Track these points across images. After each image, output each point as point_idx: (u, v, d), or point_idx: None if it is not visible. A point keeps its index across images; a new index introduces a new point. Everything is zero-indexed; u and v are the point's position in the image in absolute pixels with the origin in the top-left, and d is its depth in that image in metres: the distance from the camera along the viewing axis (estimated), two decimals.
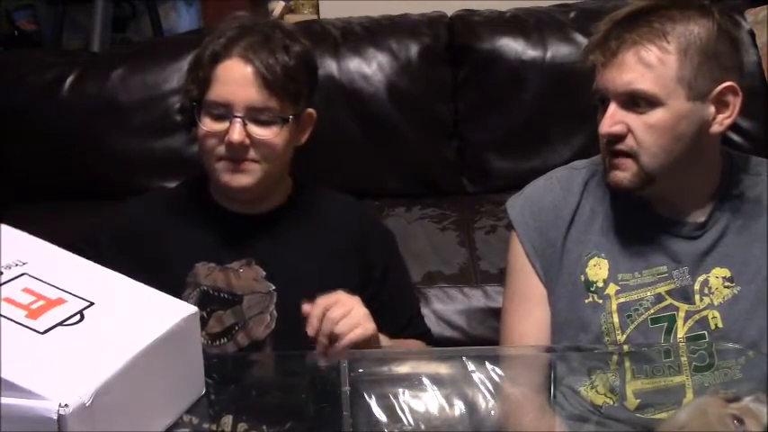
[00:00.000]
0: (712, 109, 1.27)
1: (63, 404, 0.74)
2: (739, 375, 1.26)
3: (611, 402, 1.30)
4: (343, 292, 1.27)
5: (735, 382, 1.25)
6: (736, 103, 1.29)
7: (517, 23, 2.06)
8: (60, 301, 0.90)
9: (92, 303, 0.91)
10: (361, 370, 1.21)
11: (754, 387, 1.18)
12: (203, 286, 1.42)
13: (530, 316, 1.41)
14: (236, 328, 1.41)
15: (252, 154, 1.38)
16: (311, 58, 1.47)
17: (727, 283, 1.32)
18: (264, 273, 1.43)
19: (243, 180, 1.40)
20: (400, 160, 2.07)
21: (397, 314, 1.49)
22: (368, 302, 1.33)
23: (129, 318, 0.94)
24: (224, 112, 1.37)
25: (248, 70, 1.36)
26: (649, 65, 1.24)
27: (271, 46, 1.38)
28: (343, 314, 1.24)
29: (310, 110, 1.47)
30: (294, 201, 1.51)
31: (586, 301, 1.36)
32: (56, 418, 0.73)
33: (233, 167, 1.39)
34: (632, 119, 1.26)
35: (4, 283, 0.92)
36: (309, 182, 1.56)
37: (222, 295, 1.42)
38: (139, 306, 0.97)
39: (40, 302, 0.89)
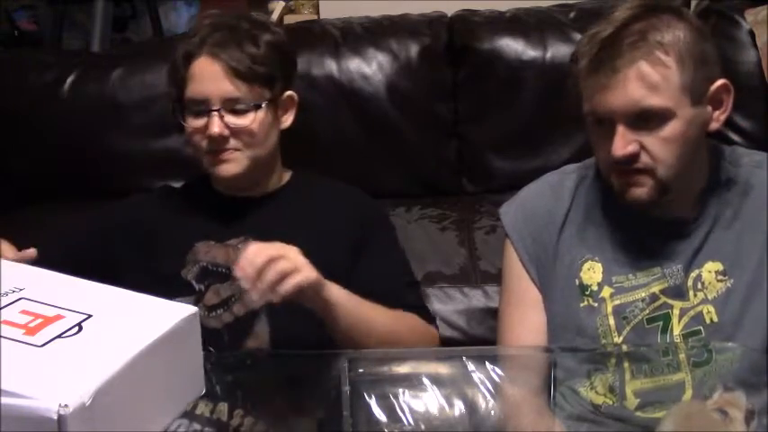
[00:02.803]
0: (709, 108, 1.28)
1: (63, 404, 0.74)
2: (737, 367, 1.26)
3: (611, 403, 1.30)
4: (277, 244, 1.28)
5: (732, 376, 1.25)
6: (729, 99, 1.30)
7: (517, 23, 2.06)
8: (58, 318, 0.91)
9: (90, 316, 0.92)
10: (361, 370, 1.21)
11: (751, 382, 1.19)
12: (202, 262, 1.46)
13: (526, 321, 1.42)
14: (233, 299, 1.43)
15: (233, 143, 1.46)
16: (283, 44, 1.53)
17: (720, 277, 1.32)
18: None
19: (230, 169, 1.48)
20: (400, 160, 2.07)
21: (384, 283, 1.49)
22: (358, 276, 1.44)
23: (129, 322, 0.94)
24: (202, 107, 1.45)
25: (217, 66, 1.44)
26: (655, 79, 1.23)
27: (237, 39, 1.46)
28: (284, 267, 1.25)
29: (290, 92, 1.54)
30: (292, 185, 1.59)
31: (582, 304, 1.36)
32: (56, 418, 0.73)
33: (218, 159, 1.47)
34: (644, 136, 1.25)
35: (2, 307, 0.92)
36: (311, 174, 1.63)
37: (220, 270, 1.45)
38: (139, 312, 0.97)
39: (38, 321, 0.90)
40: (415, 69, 2.03)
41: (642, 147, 1.25)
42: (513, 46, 2.01)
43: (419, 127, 2.04)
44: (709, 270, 1.33)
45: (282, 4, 2.98)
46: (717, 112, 1.30)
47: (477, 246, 1.91)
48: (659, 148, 1.25)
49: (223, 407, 1.22)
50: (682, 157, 1.27)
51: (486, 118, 2.05)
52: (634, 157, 1.26)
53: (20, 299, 0.94)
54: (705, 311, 1.32)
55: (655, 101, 1.23)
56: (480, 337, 1.76)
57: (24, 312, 0.91)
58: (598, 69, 1.25)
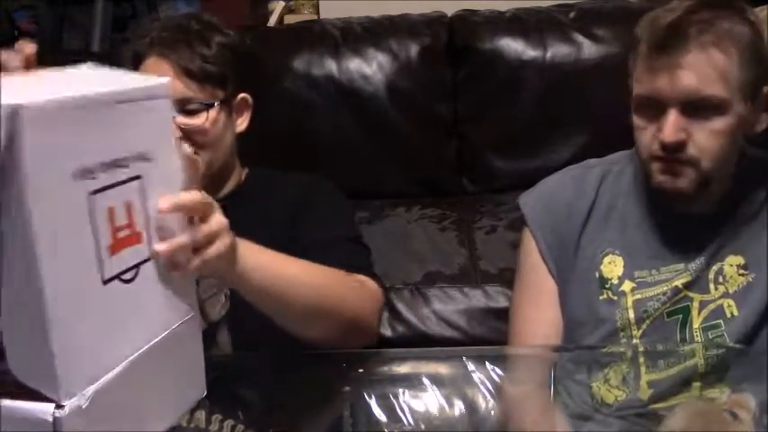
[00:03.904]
0: (756, 109, 1.28)
1: (58, 406, 0.73)
2: (748, 354, 1.28)
3: (625, 395, 1.30)
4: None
5: (740, 374, 1.26)
6: None
7: (517, 23, 2.06)
8: (138, 239, 0.83)
9: (147, 260, 0.85)
10: (361, 370, 1.21)
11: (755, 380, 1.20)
12: None
13: (541, 313, 1.41)
14: None
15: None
16: (236, 46, 1.49)
17: (741, 271, 1.32)
18: None
19: None
20: (400, 160, 2.07)
21: (316, 239, 1.40)
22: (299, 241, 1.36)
23: (162, 296, 0.89)
24: None
25: (167, 66, 1.40)
26: (720, 68, 1.22)
27: (187, 38, 1.42)
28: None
29: (243, 95, 1.49)
30: (248, 185, 1.55)
31: (601, 297, 1.36)
32: (51, 420, 0.73)
33: None
34: (695, 126, 1.24)
35: (118, 183, 0.79)
36: (266, 169, 1.58)
37: None
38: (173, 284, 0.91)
39: (126, 232, 0.81)
40: (415, 69, 2.03)
41: (690, 137, 1.24)
42: (513, 46, 2.01)
43: (419, 127, 2.04)
44: (731, 264, 1.33)
45: (282, 4, 2.97)
46: (765, 115, 1.29)
47: (477, 246, 1.91)
48: (707, 140, 1.24)
49: (200, 414, 1.21)
50: (726, 152, 1.26)
51: (486, 118, 2.04)
52: (681, 146, 1.24)
53: (138, 177, 0.82)
54: (726, 305, 1.32)
55: (716, 89, 1.22)
56: (480, 337, 1.76)
57: (127, 206, 0.81)
58: (664, 50, 1.23)
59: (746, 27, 1.24)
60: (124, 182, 0.80)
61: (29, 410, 0.74)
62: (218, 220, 0.99)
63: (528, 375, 1.33)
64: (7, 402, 0.74)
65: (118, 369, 0.81)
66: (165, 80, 0.89)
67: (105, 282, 0.78)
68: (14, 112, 0.67)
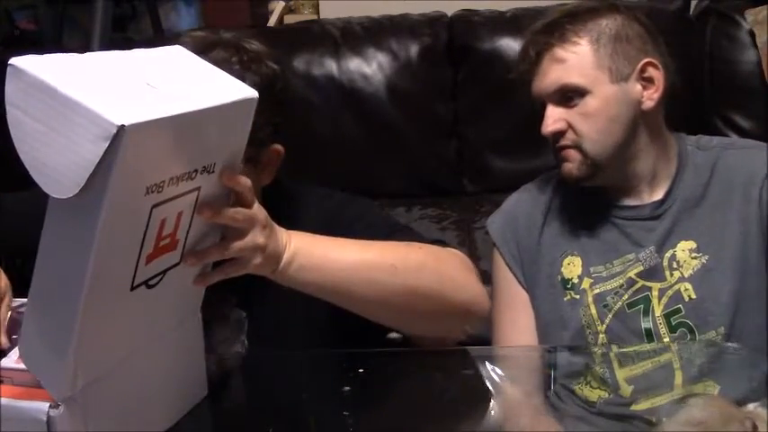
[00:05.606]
0: (638, 87, 1.36)
1: (53, 405, 0.73)
2: (721, 345, 1.32)
3: (608, 395, 1.32)
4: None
5: (720, 368, 1.28)
6: (659, 76, 1.37)
7: (517, 23, 2.05)
8: (174, 247, 0.81)
9: (176, 265, 0.84)
10: (361, 370, 1.21)
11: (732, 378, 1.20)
12: None
13: (517, 323, 1.47)
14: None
15: None
16: (276, 86, 1.22)
17: (694, 254, 1.37)
18: (235, 299, 1.28)
19: None
20: (400, 160, 2.07)
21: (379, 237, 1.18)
22: None
23: (174, 298, 0.89)
24: None
25: None
26: (568, 60, 1.34)
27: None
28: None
29: (276, 146, 1.23)
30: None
31: (565, 299, 1.42)
32: (45, 419, 0.73)
33: None
34: (568, 113, 1.35)
35: (179, 195, 0.77)
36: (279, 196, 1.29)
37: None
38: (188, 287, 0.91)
39: (167, 241, 0.79)
40: (415, 69, 2.03)
41: (569, 124, 1.35)
42: (513, 46, 2.01)
43: (419, 127, 2.04)
44: (683, 249, 1.38)
45: (282, 4, 2.98)
46: (648, 91, 1.37)
47: (477, 246, 1.91)
48: (581, 123, 1.35)
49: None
50: (606, 131, 1.35)
51: (486, 118, 2.05)
52: (561, 134, 1.36)
53: (196, 190, 0.80)
54: (683, 289, 1.36)
55: (570, 78, 1.34)
56: (480, 337, 1.75)
57: (177, 217, 0.79)
58: (527, 58, 1.39)
59: (609, 18, 1.36)
60: (184, 193, 0.79)
61: (23, 409, 0.73)
62: (251, 239, 0.94)
63: (524, 377, 1.35)
64: (4, 401, 0.74)
65: (117, 369, 0.81)
66: (254, 95, 0.87)
67: (133, 288, 0.78)
68: (119, 131, 0.66)
